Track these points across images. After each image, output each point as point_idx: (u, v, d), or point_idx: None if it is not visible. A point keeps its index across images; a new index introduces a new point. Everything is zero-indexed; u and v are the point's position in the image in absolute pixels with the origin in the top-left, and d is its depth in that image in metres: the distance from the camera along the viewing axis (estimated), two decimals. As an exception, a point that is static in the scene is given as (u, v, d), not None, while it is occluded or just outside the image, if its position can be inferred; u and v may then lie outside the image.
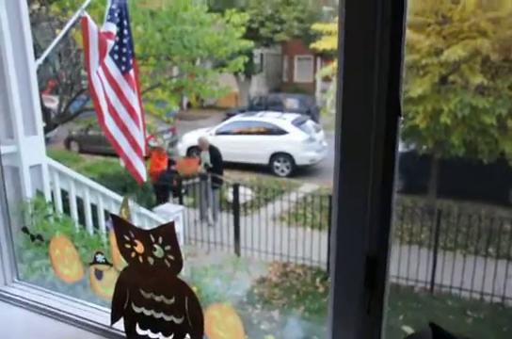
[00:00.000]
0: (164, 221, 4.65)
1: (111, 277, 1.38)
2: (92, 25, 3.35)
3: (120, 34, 3.64)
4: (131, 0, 5.40)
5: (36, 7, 6.58)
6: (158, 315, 1.29)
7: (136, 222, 4.15)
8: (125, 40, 3.68)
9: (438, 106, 6.76)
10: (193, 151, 11.76)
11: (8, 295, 1.59)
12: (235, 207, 7.09)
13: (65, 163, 11.95)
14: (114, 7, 3.54)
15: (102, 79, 3.66)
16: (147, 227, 4.37)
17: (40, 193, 3.27)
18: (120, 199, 4.08)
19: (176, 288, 1.24)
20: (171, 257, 1.20)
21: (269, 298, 5.54)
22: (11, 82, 2.95)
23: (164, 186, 7.63)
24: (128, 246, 1.27)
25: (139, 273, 1.29)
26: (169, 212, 4.52)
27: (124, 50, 3.71)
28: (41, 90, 9.40)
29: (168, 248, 1.19)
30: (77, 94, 7.54)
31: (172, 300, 1.25)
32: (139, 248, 1.26)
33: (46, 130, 7.15)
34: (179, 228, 4.69)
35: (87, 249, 2.85)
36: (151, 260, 1.24)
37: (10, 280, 1.67)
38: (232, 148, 10.71)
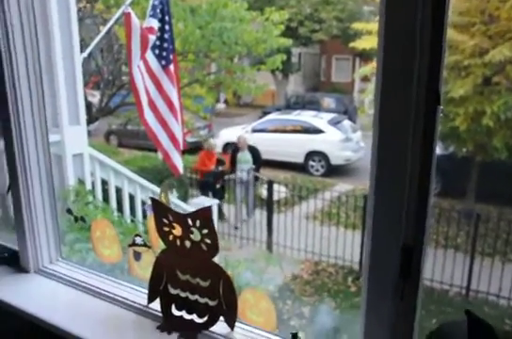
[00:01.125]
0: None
1: (149, 259, 1.43)
2: (135, 21, 3.44)
3: (162, 29, 3.72)
4: (173, -4, 5.52)
5: (82, 4, 6.80)
6: (193, 297, 1.33)
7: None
8: (166, 36, 3.75)
9: (480, 108, 6.59)
10: (229, 147, 11.88)
11: (53, 272, 1.67)
12: (269, 204, 7.12)
13: (105, 156, 12.22)
14: (156, 2, 3.63)
15: (142, 73, 3.75)
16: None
17: (81, 181, 3.39)
18: (157, 190, 4.17)
19: (211, 271, 1.27)
20: (208, 241, 1.23)
21: (300, 295, 5.55)
22: (58, 74, 3.07)
23: (207, 185, 7.73)
24: (166, 229, 1.32)
25: (176, 256, 1.33)
26: (204, 205, 4.55)
27: (165, 45, 3.79)
28: (84, 85, 9.69)
29: (205, 231, 1.23)
30: (118, 89, 7.73)
31: (207, 283, 1.29)
32: (177, 231, 1.30)
33: (88, 123, 7.38)
34: (214, 220, 4.74)
35: (124, 235, 2.93)
36: (188, 243, 1.28)
37: (55, 258, 1.75)
38: (267, 145, 10.73)
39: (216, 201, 5.01)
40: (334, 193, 7.96)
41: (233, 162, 7.97)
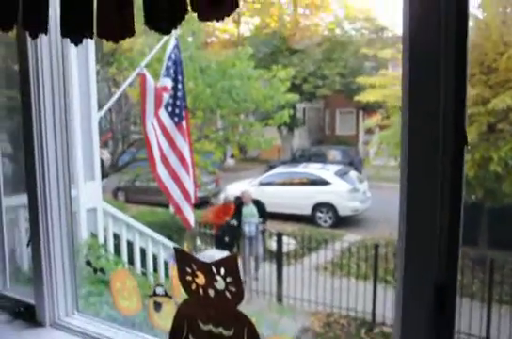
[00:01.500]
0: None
1: (170, 309, 1.43)
2: (150, 81, 3.62)
3: (175, 88, 3.89)
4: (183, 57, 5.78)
5: (96, 68, 7.15)
6: (216, 348, 1.32)
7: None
8: (179, 94, 3.92)
9: (486, 155, 6.66)
10: (236, 201, 11.90)
11: (69, 325, 1.66)
12: (278, 256, 7.05)
13: (112, 212, 12.16)
14: (170, 63, 3.82)
15: (156, 130, 3.88)
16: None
17: (94, 235, 3.41)
18: (168, 243, 4.18)
19: (236, 320, 1.27)
20: (233, 289, 1.24)
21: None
22: (76, 131, 3.19)
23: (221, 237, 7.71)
24: (189, 278, 1.33)
25: (199, 305, 1.33)
26: (214, 257, 4.52)
27: (178, 102, 3.95)
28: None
29: (229, 279, 1.24)
30: (128, 146, 7.93)
31: (231, 332, 1.28)
32: (200, 279, 1.31)
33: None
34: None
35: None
36: (211, 292, 1.29)
37: (71, 311, 1.74)
38: (274, 198, 10.77)
39: (226, 254, 4.96)
40: (344, 244, 7.88)
41: (238, 216, 7.95)
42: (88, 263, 1.65)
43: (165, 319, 1.44)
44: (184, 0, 1.01)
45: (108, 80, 7.38)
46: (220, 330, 1.30)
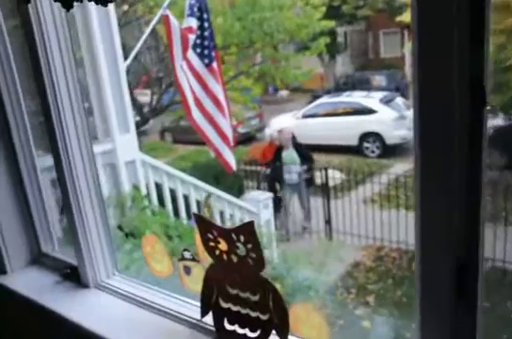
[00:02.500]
0: (254, 209, 4.78)
1: (199, 272, 1.43)
2: (174, 22, 3.46)
3: (201, 27, 3.72)
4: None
5: (125, 8, 6.92)
6: (244, 311, 1.32)
7: (226, 211, 4.28)
8: (206, 33, 3.75)
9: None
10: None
11: (110, 286, 1.72)
12: (325, 191, 7.04)
13: (160, 153, 12.63)
14: (193, 1, 3.62)
15: (186, 73, 3.78)
16: (237, 215, 4.51)
17: (136, 187, 3.48)
18: (211, 189, 4.22)
19: (260, 286, 1.25)
20: (253, 255, 1.21)
21: (364, 283, 5.48)
22: (105, 85, 3.14)
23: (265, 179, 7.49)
24: (212, 244, 1.31)
25: (224, 270, 1.32)
26: (259, 199, 4.60)
27: (206, 43, 3.79)
28: (135, 86, 9.93)
29: (249, 246, 1.21)
30: (167, 87, 7.84)
31: (257, 297, 1.27)
32: (223, 245, 1.29)
33: (141, 124, 7.57)
34: (269, 215, 4.77)
35: (180, 239, 2.99)
36: (234, 258, 1.27)
37: (111, 272, 1.79)
38: (319, 130, 10.61)
39: (270, 195, 5.00)
40: (392, 175, 7.74)
41: (278, 161, 7.17)
42: (120, 227, 1.67)
43: (195, 282, 1.45)
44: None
45: (138, 19, 7.17)
46: (247, 294, 1.30)
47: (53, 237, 2.08)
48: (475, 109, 0.82)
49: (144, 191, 3.54)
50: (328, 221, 6.96)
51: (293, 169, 7.00)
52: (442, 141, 0.83)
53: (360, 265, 5.93)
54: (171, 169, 4.04)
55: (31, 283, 1.88)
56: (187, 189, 4.02)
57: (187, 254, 1.46)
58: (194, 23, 3.64)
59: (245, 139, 11.71)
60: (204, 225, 1.31)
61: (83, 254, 1.73)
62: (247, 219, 4.51)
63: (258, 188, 7.25)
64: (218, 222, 3.85)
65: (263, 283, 1.24)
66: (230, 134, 4.01)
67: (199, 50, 3.76)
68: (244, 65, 7.25)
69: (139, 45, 4.60)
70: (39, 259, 2.05)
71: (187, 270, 1.48)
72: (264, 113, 12.85)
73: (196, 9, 3.63)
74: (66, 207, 1.71)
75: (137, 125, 7.54)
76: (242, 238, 1.22)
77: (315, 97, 13.69)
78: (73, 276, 1.81)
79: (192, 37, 3.63)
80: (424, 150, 0.87)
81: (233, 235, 1.23)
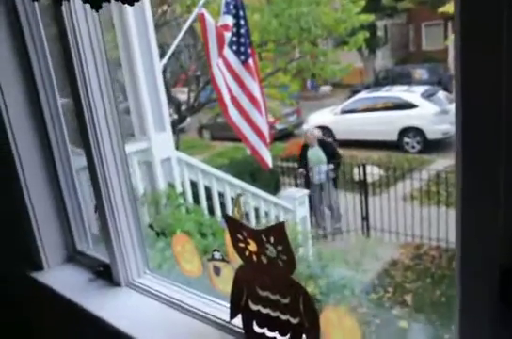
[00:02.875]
0: (289, 206, 4.75)
1: (229, 273, 1.41)
2: (209, 20, 3.46)
3: (237, 25, 3.70)
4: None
5: (164, 8, 6.99)
6: (274, 314, 1.29)
7: (262, 208, 4.26)
8: (242, 31, 3.73)
9: None
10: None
11: (141, 285, 1.73)
12: (363, 188, 6.92)
13: (198, 150, 12.75)
14: (229, -1, 3.61)
15: (222, 71, 3.77)
16: (273, 212, 4.49)
17: (171, 185, 3.50)
18: (246, 186, 4.21)
19: (290, 288, 1.22)
20: (284, 257, 1.18)
21: (401, 282, 5.35)
22: (141, 84, 3.17)
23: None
24: (242, 244, 1.29)
25: (254, 271, 1.30)
26: (295, 196, 4.56)
27: (242, 40, 3.77)
28: (174, 84, 10.03)
29: (279, 248, 1.18)
30: (204, 85, 7.88)
31: (287, 300, 1.24)
32: (252, 246, 1.26)
33: (178, 122, 7.65)
34: (305, 212, 4.72)
35: (214, 237, 2.99)
36: (264, 259, 1.24)
37: (143, 271, 1.80)
38: (358, 125, 10.45)
39: (306, 192, 4.95)
40: (432, 170, 7.52)
41: (304, 160, 7.08)
42: (151, 226, 1.67)
43: (225, 283, 1.44)
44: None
45: (177, 19, 7.23)
46: (277, 297, 1.27)
47: (87, 235, 2.12)
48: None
49: (179, 189, 3.56)
50: (365, 218, 6.85)
51: (318, 168, 6.89)
52: (487, 138, 0.78)
53: (397, 263, 5.80)
54: (207, 166, 4.05)
55: (65, 280, 1.92)
56: (222, 187, 4.03)
57: (217, 255, 1.44)
58: (230, 20, 3.63)
59: (282, 136, 11.67)
60: (234, 226, 1.29)
61: (115, 253, 1.74)
62: (282, 217, 4.49)
63: (295, 185, 7.20)
64: (253, 219, 3.84)
65: (293, 286, 1.21)
66: (266, 131, 3.99)
67: (235, 47, 3.74)
68: (281, 61, 7.19)
69: (175, 44, 4.63)
70: (74, 257, 2.09)
71: (217, 271, 1.47)
72: (303, 109, 12.77)
73: (232, 7, 3.62)
74: (98, 206, 1.73)
75: (175, 123, 7.62)
76: (272, 239, 1.19)
77: (354, 92, 13.46)
78: (106, 274, 1.84)
79: (228, 34, 3.62)
80: (466, 147, 0.81)
81: (263, 237, 1.21)
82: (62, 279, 1.94)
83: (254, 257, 1.27)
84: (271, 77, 7.10)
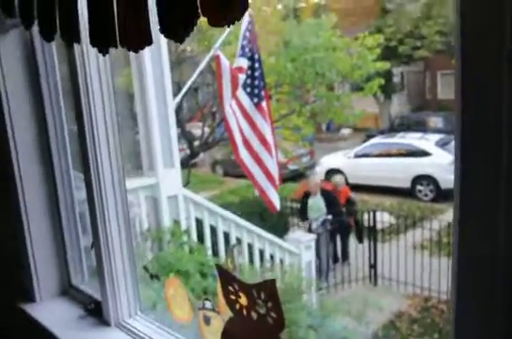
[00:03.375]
0: (295, 250, 4.66)
1: (218, 324, 1.36)
2: (224, 62, 3.53)
3: (252, 67, 3.77)
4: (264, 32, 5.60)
5: (183, 47, 7.19)
6: (261, 373, 1.24)
7: (267, 251, 4.19)
8: (257, 73, 3.80)
9: None
10: (331, 174, 11.71)
11: (131, 328, 1.68)
12: (372, 234, 6.81)
13: (209, 186, 12.74)
14: (245, 42, 3.70)
15: (235, 112, 3.82)
16: (278, 256, 4.41)
17: (176, 222, 3.48)
18: (252, 228, 4.16)
19: (279, 348, 1.17)
20: (273, 315, 1.14)
21: (407, 335, 5.15)
22: (153, 120, 3.22)
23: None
24: (233, 297, 1.25)
25: (243, 326, 1.25)
26: (301, 240, 4.48)
27: (256, 82, 3.83)
28: (190, 119, 10.17)
29: (269, 305, 1.14)
30: (220, 121, 7.98)
31: (276, 360, 1.19)
32: (243, 300, 1.22)
33: (190, 157, 7.70)
34: (311, 256, 4.63)
35: (215, 278, 2.92)
36: (254, 314, 1.20)
37: (134, 312, 1.76)
38: (371, 171, 10.43)
39: (313, 237, 4.87)
40: (444, 221, 7.39)
41: (303, 210, 6.90)
42: (145, 268, 1.65)
43: (214, 335, 1.39)
44: (196, 7, 0.90)
45: (194, 58, 7.42)
46: (266, 355, 1.22)
47: (83, 269, 2.08)
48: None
49: (184, 227, 3.53)
50: (373, 266, 6.70)
51: (317, 216, 6.63)
52: (483, 195, 0.75)
53: (404, 315, 5.61)
54: (213, 205, 4.02)
55: (55, 316, 1.87)
56: (228, 227, 3.99)
57: (208, 304, 1.40)
58: (245, 63, 3.70)
59: (294, 176, 11.69)
60: (226, 277, 1.26)
61: (107, 292, 1.71)
62: (287, 260, 4.40)
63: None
64: (258, 261, 3.76)
65: (281, 346, 1.16)
66: (276, 173, 3.98)
67: (249, 89, 3.80)
68: (295, 104, 7.28)
69: (191, 81, 4.72)
70: (68, 291, 2.05)
71: (207, 320, 1.42)
72: (317, 150, 12.84)
73: (247, 50, 3.70)
74: (95, 242, 1.71)
75: (187, 158, 7.68)
76: (263, 295, 1.15)
77: (369, 136, 13.53)
78: (97, 312, 1.79)
79: (242, 76, 3.68)
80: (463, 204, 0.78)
81: (254, 292, 1.17)
82: (52, 313, 1.90)
83: (244, 311, 1.22)
84: (284, 119, 7.17)
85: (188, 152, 7.54)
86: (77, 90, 1.58)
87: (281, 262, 4.34)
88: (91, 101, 1.57)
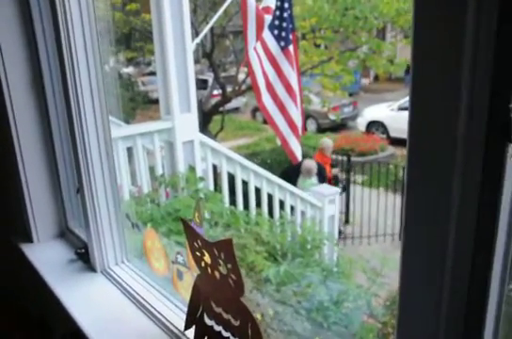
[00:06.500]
0: (317, 203, 4.53)
1: (189, 280, 1.29)
2: (251, 1, 3.28)
3: (281, 8, 3.51)
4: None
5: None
6: (226, 334, 1.16)
7: (287, 201, 4.08)
8: (285, 14, 3.53)
9: None
10: (373, 126, 11.33)
11: (114, 275, 1.65)
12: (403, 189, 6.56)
13: (248, 132, 12.65)
14: (273, -20, 3.42)
15: (260, 55, 3.60)
16: (299, 208, 4.29)
17: (191, 168, 3.40)
18: (272, 178, 4.04)
19: (240, 312, 1.08)
20: (233, 277, 1.04)
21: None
22: (170, 64, 3.07)
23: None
24: (198, 254, 1.16)
25: (209, 285, 1.17)
26: (324, 193, 4.33)
27: (284, 24, 3.57)
28: (240, 65, 9.89)
29: (229, 266, 1.04)
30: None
31: (237, 323, 1.11)
32: (207, 258, 1.13)
33: (222, 102, 7.54)
34: (334, 211, 4.50)
35: (228, 227, 2.88)
36: (217, 274, 1.11)
37: (120, 260, 1.72)
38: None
39: (337, 190, 4.70)
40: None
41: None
42: (127, 216, 1.58)
43: (185, 289, 1.32)
44: None
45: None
46: (229, 317, 1.14)
47: (80, 214, 2.06)
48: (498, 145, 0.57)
49: (200, 173, 3.45)
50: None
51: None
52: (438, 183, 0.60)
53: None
54: (232, 152, 3.89)
55: (47, 257, 1.87)
56: (247, 175, 3.88)
57: (180, 259, 1.32)
58: (272, 2, 3.44)
59: (334, 126, 11.43)
60: (191, 232, 1.16)
61: (92, 239, 1.67)
62: (308, 213, 4.30)
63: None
64: (277, 213, 3.64)
65: (242, 311, 1.07)
66: (299, 123, 3.80)
67: (276, 32, 3.55)
68: (335, 50, 6.87)
69: (209, 26, 4.49)
70: (65, 233, 2.05)
71: (180, 275, 1.35)
72: (362, 101, 12.43)
73: (277, -11, 3.43)
74: (80, 188, 1.65)
75: (221, 104, 7.53)
76: (222, 256, 1.05)
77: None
78: (86, 257, 1.77)
79: (268, 17, 3.44)
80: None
81: (215, 250, 1.07)
82: (45, 255, 1.90)
83: (209, 270, 1.14)
84: (324, 66, 6.79)
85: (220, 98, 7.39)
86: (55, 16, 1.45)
87: (303, 214, 4.24)
88: (71, 31, 1.44)
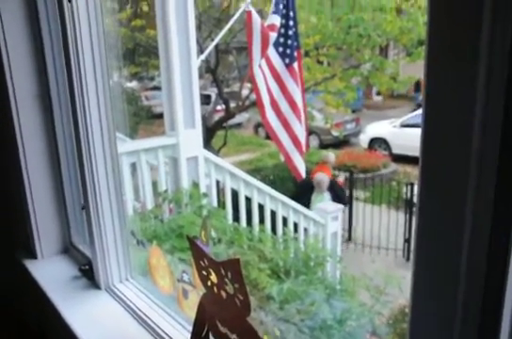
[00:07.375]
0: (320, 220, 4.52)
1: (195, 299, 1.28)
2: (256, 19, 3.32)
3: (286, 26, 3.55)
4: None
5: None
6: (231, 355, 1.15)
7: (291, 218, 4.07)
8: (290, 32, 3.57)
9: None
10: (375, 142, 11.35)
11: (119, 293, 1.63)
12: (409, 208, 6.55)
13: (250, 147, 12.66)
14: (279, -2, 3.46)
15: (264, 72, 3.63)
16: (301, 225, 4.27)
17: (195, 184, 3.40)
18: (276, 194, 4.03)
19: (246, 332, 1.07)
20: (240, 297, 1.03)
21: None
22: (175, 80, 3.09)
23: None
24: (204, 273, 1.15)
25: (215, 304, 1.16)
26: (327, 210, 4.32)
27: (289, 42, 3.61)
28: (243, 80, 9.95)
29: (236, 286, 1.03)
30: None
31: (243, 344, 1.10)
32: (214, 277, 1.12)
33: (225, 119, 7.56)
34: (337, 227, 4.48)
35: (231, 243, 2.86)
36: (223, 293, 1.10)
37: (125, 277, 1.71)
38: (416, 141, 9.97)
39: (341, 207, 4.69)
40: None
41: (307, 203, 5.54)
42: (133, 234, 1.58)
43: (191, 308, 1.30)
44: None
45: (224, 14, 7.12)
46: (235, 337, 1.12)
47: (85, 230, 2.05)
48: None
49: (204, 189, 3.45)
50: (407, 240, 6.48)
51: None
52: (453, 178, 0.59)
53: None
54: (235, 169, 3.89)
55: (51, 274, 1.86)
56: (250, 192, 3.87)
57: (186, 277, 1.31)
58: (277, 20, 3.48)
59: (337, 143, 11.44)
60: (198, 251, 1.15)
61: (97, 256, 1.65)
62: (311, 230, 4.28)
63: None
64: (280, 230, 3.61)
65: (248, 331, 1.06)
66: (303, 139, 3.81)
67: (281, 49, 3.59)
68: (338, 67, 6.92)
69: (214, 43, 4.53)
70: (69, 249, 2.04)
71: (185, 293, 1.34)
72: (364, 118, 12.47)
73: (281, 7, 3.47)
74: (85, 205, 1.64)
75: (224, 120, 7.55)
76: (229, 275, 1.04)
77: (419, 106, 12.94)
78: (90, 274, 1.75)
79: (273, 35, 3.47)
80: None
81: (222, 270, 1.06)
82: (49, 272, 1.89)
83: (215, 289, 1.13)
84: (327, 83, 6.84)
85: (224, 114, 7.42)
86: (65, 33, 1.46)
87: (305, 231, 4.22)
88: (79, 47, 1.46)
